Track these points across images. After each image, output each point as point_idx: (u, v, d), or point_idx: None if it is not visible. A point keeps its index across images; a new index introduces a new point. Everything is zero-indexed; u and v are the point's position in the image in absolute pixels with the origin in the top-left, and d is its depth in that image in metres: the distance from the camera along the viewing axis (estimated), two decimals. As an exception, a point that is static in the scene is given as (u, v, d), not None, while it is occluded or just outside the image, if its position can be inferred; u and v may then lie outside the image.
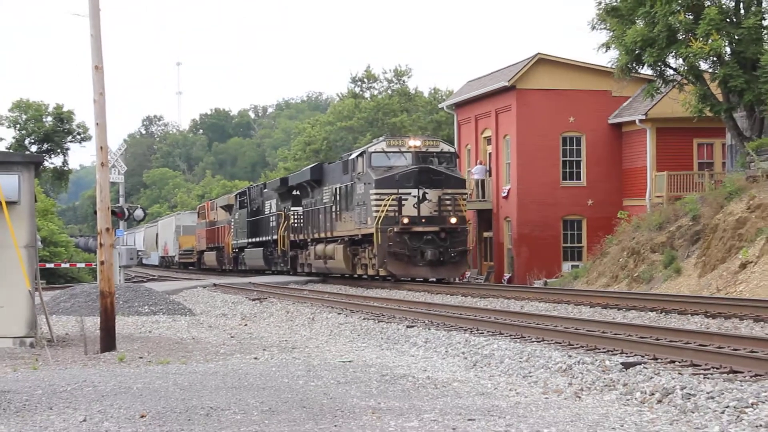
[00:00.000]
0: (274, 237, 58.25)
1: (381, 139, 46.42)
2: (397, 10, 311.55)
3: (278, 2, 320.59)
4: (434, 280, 43.14)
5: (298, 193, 56.05)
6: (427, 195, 42.10)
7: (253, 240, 63.51)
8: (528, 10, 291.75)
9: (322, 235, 50.20)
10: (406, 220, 41.74)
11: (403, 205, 41.95)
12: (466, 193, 44.88)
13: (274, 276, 57.83)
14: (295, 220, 55.41)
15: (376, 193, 42.53)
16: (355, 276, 47.88)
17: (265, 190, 64.29)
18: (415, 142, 43.98)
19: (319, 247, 50.52)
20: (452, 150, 46.17)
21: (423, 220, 42.09)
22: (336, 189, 48.30)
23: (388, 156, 43.54)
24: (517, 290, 35.58)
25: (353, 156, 46.38)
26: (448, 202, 42.44)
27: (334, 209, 48.38)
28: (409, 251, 41.68)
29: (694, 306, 25.39)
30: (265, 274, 60.32)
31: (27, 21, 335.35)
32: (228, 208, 73.64)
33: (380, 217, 41.87)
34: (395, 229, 41.56)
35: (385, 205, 41.97)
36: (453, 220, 42.30)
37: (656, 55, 40.73)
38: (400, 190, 42.15)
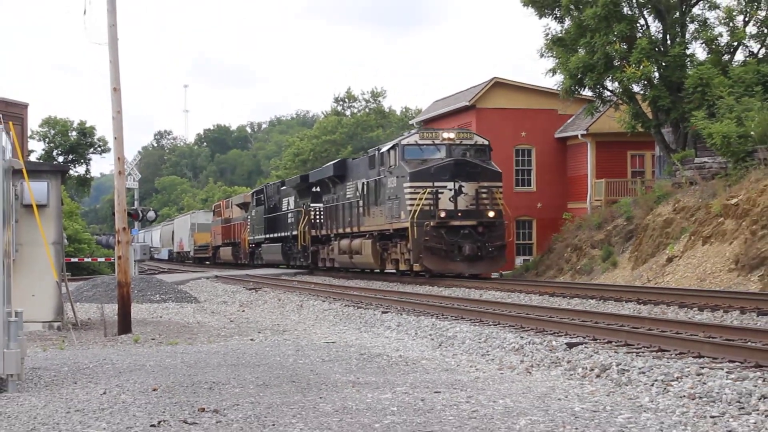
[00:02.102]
0: (294, 233, 52.61)
1: (413, 131, 40.23)
2: (374, 39, 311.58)
3: (271, 32, 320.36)
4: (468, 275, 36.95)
5: (318, 189, 50.01)
6: (463, 188, 35.87)
7: (271, 236, 58.84)
8: (486, 40, 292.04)
9: (347, 230, 44.22)
10: (443, 214, 35.65)
11: (439, 198, 35.94)
12: (502, 186, 38.26)
13: (267, 269, 56.92)
14: (316, 216, 49.63)
15: (410, 187, 36.24)
16: (382, 271, 42.73)
17: (283, 187, 58.82)
18: (448, 135, 37.96)
19: (344, 242, 44.41)
20: (486, 142, 38.87)
21: (460, 214, 35.92)
22: (362, 184, 41.95)
23: (422, 149, 37.38)
24: (477, 281, 35.46)
25: (384, 149, 39.94)
26: (485, 195, 36.30)
27: (360, 204, 42.07)
28: (446, 246, 35.50)
29: (628, 294, 25.50)
30: (281, 267, 56.35)
31: (56, 52, 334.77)
32: (244, 206, 70.06)
33: (416, 210, 35.53)
34: (432, 224, 35.50)
35: (420, 199, 35.63)
36: (491, 214, 36.18)
37: (595, 79, 40.94)
38: (436, 183, 35.93)
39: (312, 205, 49.88)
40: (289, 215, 54.62)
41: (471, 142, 37.99)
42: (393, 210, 37.99)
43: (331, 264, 47.96)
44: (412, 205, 35.76)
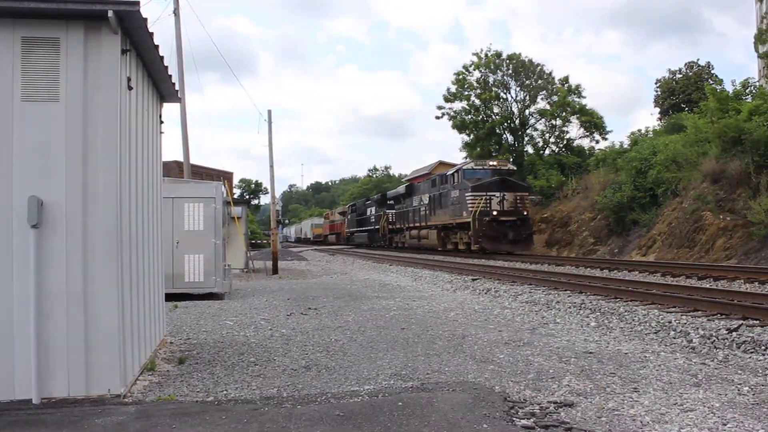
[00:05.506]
0: (376, 227, 44.16)
1: (469, 161, 31.35)
2: (385, 140, 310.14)
3: (345, 137, 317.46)
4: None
5: (392, 202, 41.13)
6: (505, 196, 27.72)
7: (360, 229, 49.82)
8: (438, 140, 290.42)
9: (416, 225, 33.84)
10: (495, 213, 27.54)
11: (491, 202, 27.88)
12: (528, 195, 29.21)
13: (352, 246, 51.55)
14: (391, 217, 40.67)
15: (471, 195, 28.13)
16: (442, 250, 32.30)
17: (368, 201, 48.84)
18: (493, 162, 29.81)
19: (414, 232, 34.16)
20: (515, 168, 29.89)
21: (505, 213, 27.68)
22: (428, 197, 31.95)
23: (475, 171, 29.14)
24: (433, 251, 34.94)
25: (449, 173, 30.41)
26: (519, 201, 28.07)
27: (427, 209, 32.18)
28: (497, 233, 27.52)
29: (501, 258, 25.27)
30: (363, 247, 47.39)
31: (245, 145, 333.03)
32: (342, 213, 63.35)
33: (476, 210, 27.58)
34: (488, 219, 27.70)
35: (479, 203, 27.75)
36: (525, 213, 28.09)
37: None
38: (488, 193, 27.87)
39: (387, 211, 41.63)
40: (372, 217, 46.53)
41: (507, 168, 29.62)
42: (455, 211, 29.64)
43: (402, 245, 38.39)
44: (473, 206, 27.82)
